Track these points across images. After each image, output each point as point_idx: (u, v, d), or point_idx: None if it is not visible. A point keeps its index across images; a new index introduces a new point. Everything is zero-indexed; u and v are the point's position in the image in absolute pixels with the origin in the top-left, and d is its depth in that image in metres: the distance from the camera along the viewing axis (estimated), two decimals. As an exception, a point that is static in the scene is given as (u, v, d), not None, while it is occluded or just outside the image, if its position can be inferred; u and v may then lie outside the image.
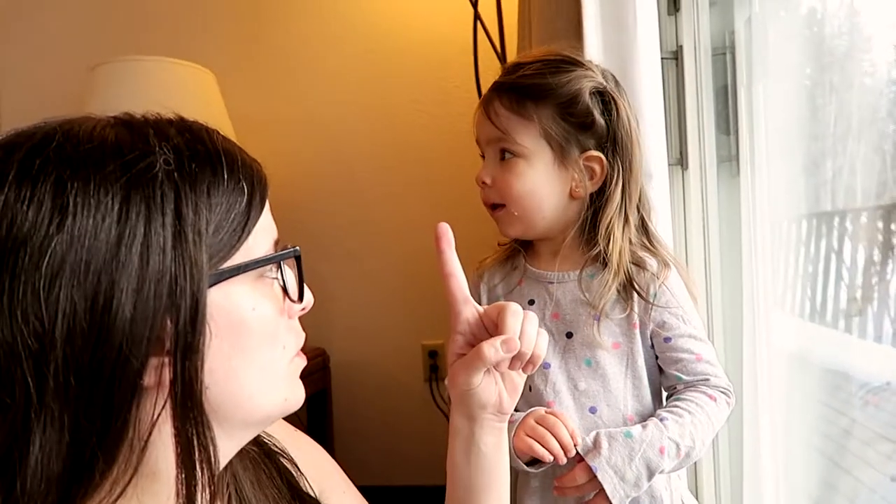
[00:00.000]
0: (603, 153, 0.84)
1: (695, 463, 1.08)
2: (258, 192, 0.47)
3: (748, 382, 1.06)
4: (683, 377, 0.84)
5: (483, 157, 0.89)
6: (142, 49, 1.85)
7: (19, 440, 0.39)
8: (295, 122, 2.08)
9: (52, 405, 0.39)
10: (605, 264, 0.84)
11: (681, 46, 1.10)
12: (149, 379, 0.42)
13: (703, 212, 1.11)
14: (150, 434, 0.43)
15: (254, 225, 0.47)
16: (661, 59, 1.02)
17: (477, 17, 1.68)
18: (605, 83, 0.86)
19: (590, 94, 0.84)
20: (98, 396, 0.40)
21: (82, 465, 0.41)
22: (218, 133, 0.48)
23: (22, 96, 2.15)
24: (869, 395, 1.15)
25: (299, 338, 0.53)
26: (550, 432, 0.78)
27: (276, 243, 0.50)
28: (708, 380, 0.84)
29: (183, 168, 0.43)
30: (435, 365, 2.05)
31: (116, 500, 0.43)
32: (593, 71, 0.86)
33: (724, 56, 1.12)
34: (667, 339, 0.85)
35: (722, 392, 0.84)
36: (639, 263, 0.85)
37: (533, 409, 0.83)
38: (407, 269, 2.05)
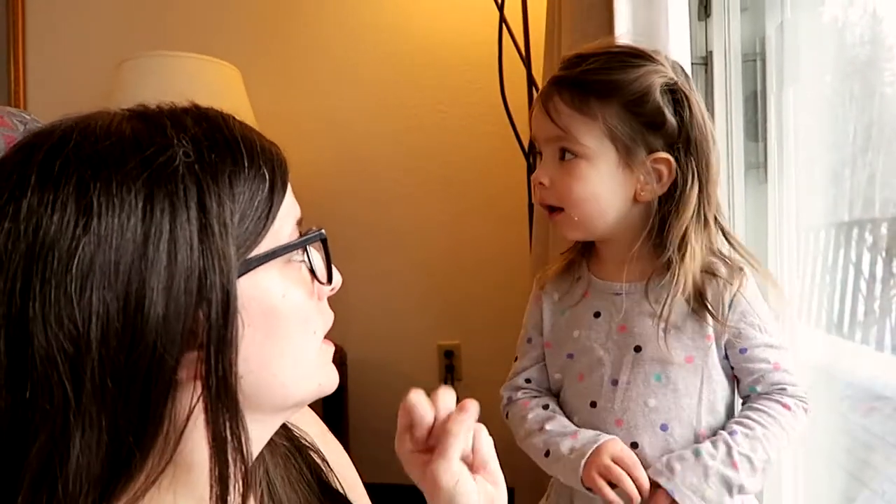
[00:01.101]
0: (673, 154, 0.78)
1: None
2: (279, 176, 0.47)
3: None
4: (758, 388, 0.79)
5: (540, 155, 0.83)
6: (169, 45, 1.87)
7: (59, 445, 0.39)
8: (318, 120, 2.09)
9: (90, 408, 0.39)
10: (672, 272, 0.77)
11: (711, 52, 1.09)
12: (184, 373, 0.42)
13: (730, 219, 1.10)
14: (185, 427, 0.43)
15: (278, 210, 0.46)
16: (691, 64, 1.01)
17: (502, 19, 1.67)
18: (676, 78, 0.79)
19: (660, 90, 0.77)
20: (135, 395, 0.40)
21: (120, 462, 0.41)
22: (234, 119, 0.48)
23: (49, 92, 2.18)
24: (889, 407, 1.14)
25: (328, 319, 0.52)
26: (629, 473, 0.74)
27: (300, 223, 0.50)
28: (785, 389, 0.79)
29: (203, 159, 0.43)
30: (451, 365, 2.04)
31: (150, 489, 0.43)
32: (663, 65, 0.79)
33: (755, 62, 1.10)
34: (742, 350, 0.79)
35: (799, 401, 0.79)
36: (708, 270, 0.79)
37: (603, 439, 0.77)
38: (424, 269, 2.05)
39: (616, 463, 0.75)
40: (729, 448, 0.74)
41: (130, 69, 1.72)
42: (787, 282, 1.06)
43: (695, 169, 0.78)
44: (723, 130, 1.09)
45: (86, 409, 0.39)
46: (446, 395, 0.57)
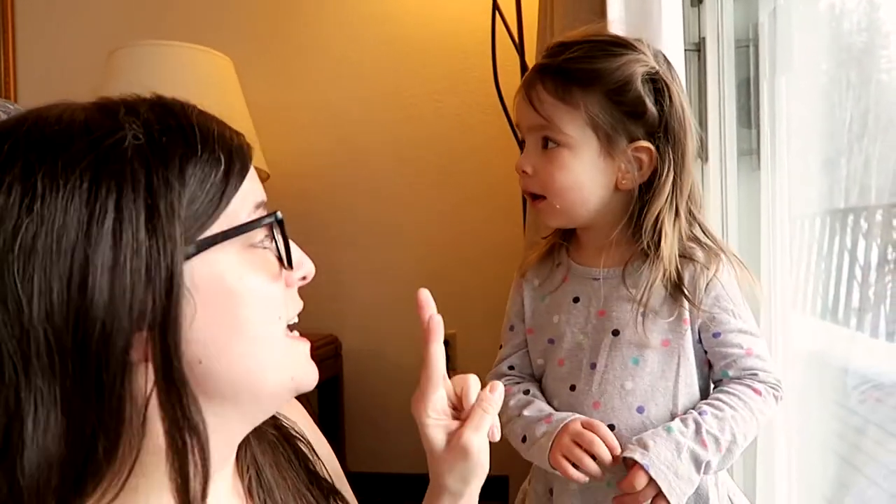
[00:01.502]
0: (653, 142, 0.79)
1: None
2: (237, 161, 0.47)
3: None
4: (730, 373, 0.81)
5: (523, 142, 0.84)
6: (161, 34, 1.86)
7: (13, 421, 0.39)
8: (312, 111, 2.08)
9: (41, 385, 0.39)
10: (650, 258, 0.79)
11: (703, 38, 1.09)
12: (136, 354, 0.42)
13: (723, 206, 1.10)
14: (146, 409, 0.43)
15: (233, 194, 0.46)
16: (684, 50, 1.00)
17: (496, 7, 1.67)
18: (657, 67, 0.80)
19: (642, 80, 0.77)
20: (88, 374, 0.40)
21: (84, 446, 0.41)
22: (194, 107, 0.48)
23: (40, 81, 2.17)
24: (882, 394, 1.14)
25: (295, 307, 0.52)
26: (588, 451, 0.75)
27: (261, 207, 0.49)
28: (756, 374, 0.80)
29: (154, 142, 0.43)
30: (446, 354, 2.04)
31: (127, 479, 0.43)
32: (645, 53, 0.80)
33: (748, 48, 1.10)
34: (716, 335, 0.81)
35: (770, 387, 0.80)
36: (685, 255, 0.80)
37: (568, 419, 0.79)
38: (419, 258, 2.05)
39: (576, 441, 0.76)
40: (698, 426, 0.75)
41: (122, 58, 1.71)
42: (779, 268, 1.06)
43: (671, 157, 0.79)
44: (715, 117, 1.08)
45: (36, 386, 0.39)
46: (472, 378, 0.63)
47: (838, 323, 1.14)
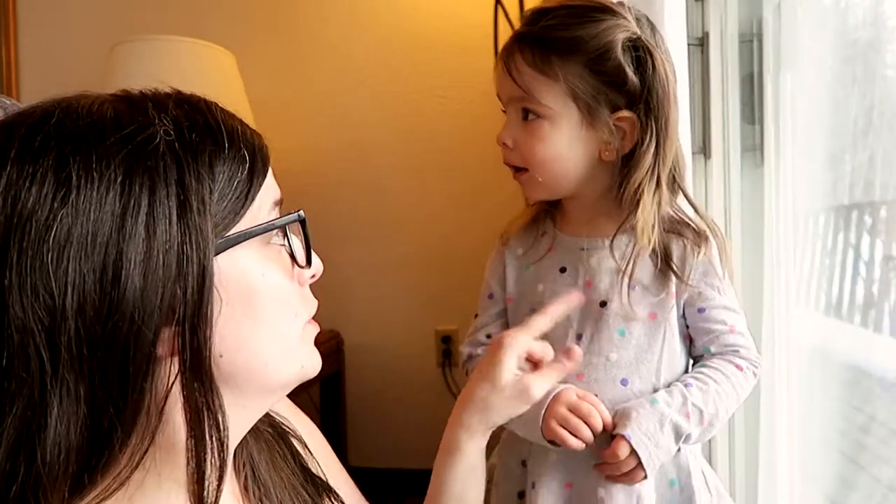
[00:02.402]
0: (635, 111, 0.76)
1: (710, 455, 1.07)
2: (259, 159, 0.48)
3: (766, 377, 1.05)
4: (712, 349, 0.81)
5: (504, 113, 0.82)
6: (162, 29, 1.85)
7: (37, 413, 0.39)
8: (314, 106, 2.08)
9: (68, 377, 0.40)
10: (633, 229, 0.78)
11: (707, 33, 1.08)
12: (162, 348, 0.42)
13: (726, 202, 1.09)
14: (165, 403, 0.43)
15: (257, 191, 0.47)
16: (687, 45, 1.00)
17: (498, 2, 1.66)
18: (639, 32, 0.76)
19: (622, 46, 0.74)
20: (113, 367, 0.41)
21: (101, 436, 0.41)
22: (216, 105, 0.49)
23: (41, 76, 2.17)
24: (885, 391, 1.14)
25: (310, 305, 0.53)
26: (585, 422, 0.75)
27: (279, 204, 0.51)
28: (738, 351, 0.80)
29: (184, 138, 0.44)
30: (448, 350, 2.05)
31: (135, 470, 0.43)
32: (626, 18, 0.76)
33: (752, 43, 1.09)
34: (701, 310, 0.80)
35: (751, 363, 0.81)
36: (674, 230, 0.80)
37: (560, 389, 0.77)
38: (423, 254, 2.05)
39: (573, 411, 0.75)
40: (684, 398, 0.76)
41: (123, 53, 1.71)
42: (783, 264, 1.06)
43: (654, 127, 0.76)
44: (719, 112, 1.08)
45: (63, 379, 0.39)
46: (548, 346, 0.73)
47: (842, 319, 1.14)
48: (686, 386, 0.77)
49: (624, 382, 0.79)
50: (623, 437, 0.74)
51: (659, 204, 0.78)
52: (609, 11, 0.77)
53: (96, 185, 0.40)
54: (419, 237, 2.06)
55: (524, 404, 0.70)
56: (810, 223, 1.18)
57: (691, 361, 0.85)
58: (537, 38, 0.77)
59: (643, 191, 0.77)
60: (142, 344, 0.41)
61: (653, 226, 0.77)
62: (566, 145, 0.77)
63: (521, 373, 0.71)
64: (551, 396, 0.77)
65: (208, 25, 1.98)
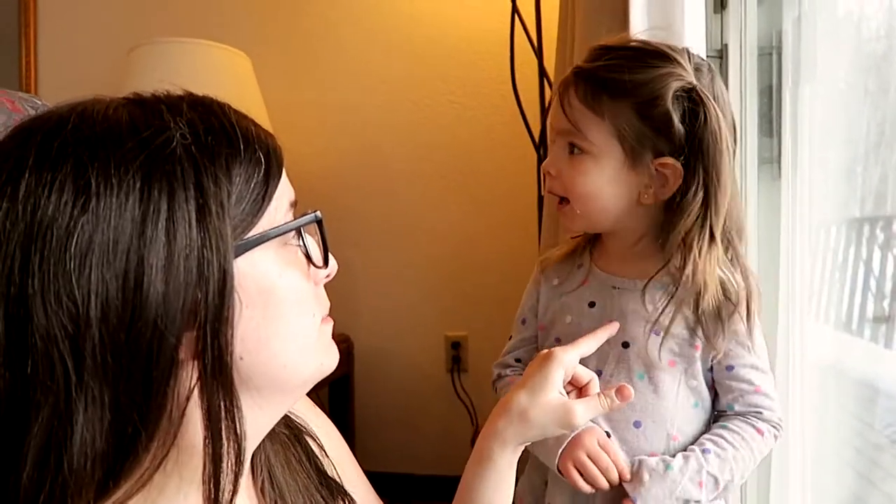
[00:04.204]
0: (680, 159, 0.76)
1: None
2: (274, 161, 0.48)
3: (779, 392, 1.04)
4: (736, 407, 0.81)
5: (552, 144, 0.83)
6: (180, 32, 1.87)
7: (62, 421, 0.39)
8: (329, 111, 2.08)
9: (92, 384, 0.40)
10: (675, 279, 0.77)
11: (726, 45, 1.07)
12: (184, 352, 0.42)
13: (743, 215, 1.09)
14: (186, 406, 0.43)
15: (273, 193, 0.47)
16: (707, 57, 0.99)
17: (515, 9, 1.66)
18: (695, 82, 0.76)
19: (674, 96, 0.75)
20: (137, 373, 0.41)
21: (125, 442, 0.41)
22: (229, 106, 0.49)
23: (60, 78, 2.19)
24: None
25: (325, 304, 0.53)
26: (602, 472, 0.75)
27: (293, 205, 0.51)
28: (761, 413, 0.80)
29: (200, 142, 0.44)
30: (457, 356, 2.05)
31: (156, 472, 0.43)
32: (684, 67, 0.77)
33: (770, 56, 1.09)
34: (729, 368, 0.80)
35: (772, 426, 0.81)
36: (716, 287, 0.77)
37: (590, 432, 0.78)
38: (433, 260, 2.05)
39: (593, 460, 0.76)
40: (700, 467, 0.76)
41: (141, 55, 1.72)
42: (798, 278, 1.05)
43: (702, 176, 0.76)
44: (737, 125, 1.07)
45: (88, 386, 0.40)
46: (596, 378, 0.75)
47: (852, 334, 1.13)
48: (704, 452, 0.77)
49: (637, 425, 0.80)
50: (632, 502, 0.75)
51: (717, 262, 0.77)
52: (668, 59, 0.77)
53: (115, 191, 0.40)
54: (430, 243, 2.06)
55: (563, 429, 0.70)
56: (825, 237, 1.18)
57: (713, 413, 0.84)
58: (592, 76, 0.78)
59: (692, 242, 0.76)
60: (165, 349, 0.41)
61: (699, 279, 0.76)
62: (606, 183, 0.78)
63: (565, 395, 0.71)
64: (573, 434, 0.77)
65: (225, 29, 1.99)
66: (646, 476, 0.75)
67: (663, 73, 0.76)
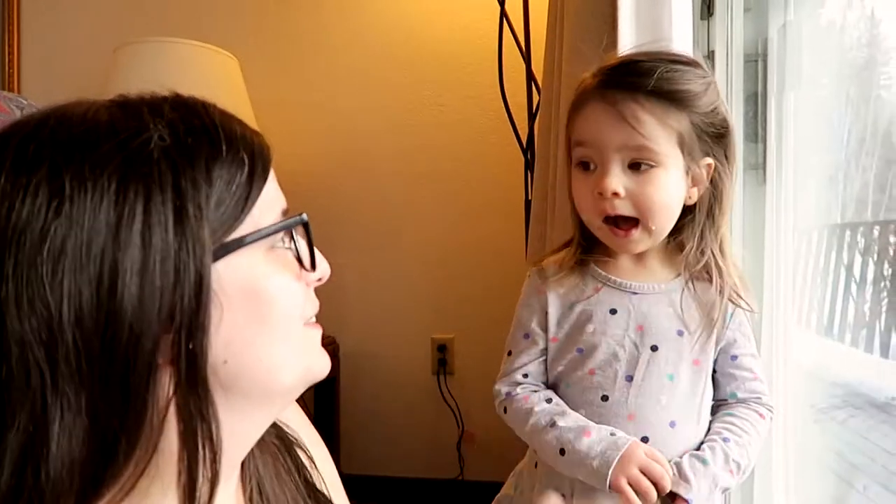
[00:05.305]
0: (715, 159, 0.82)
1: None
2: (259, 162, 0.46)
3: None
4: (738, 394, 0.86)
5: (587, 165, 0.82)
6: (166, 31, 1.85)
7: (39, 427, 0.39)
8: (316, 113, 2.08)
9: (68, 390, 0.39)
10: (713, 281, 0.82)
11: (713, 51, 1.09)
12: (163, 357, 0.42)
13: (728, 220, 1.09)
14: (166, 411, 0.42)
15: (257, 195, 0.46)
16: (693, 63, 1.00)
17: (503, 13, 1.66)
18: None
19: (721, 102, 0.82)
20: (114, 378, 0.40)
21: (105, 448, 0.40)
22: (215, 106, 0.47)
23: (44, 77, 2.17)
24: (876, 409, 1.14)
25: (314, 306, 0.52)
26: (656, 480, 0.77)
27: (285, 213, 0.50)
28: (760, 398, 0.86)
29: (179, 143, 0.42)
30: (443, 359, 2.04)
31: (139, 478, 0.43)
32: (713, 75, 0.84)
33: (756, 63, 1.10)
34: (734, 357, 0.85)
35: (769, 410, 0.86)
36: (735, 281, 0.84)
37: (624, 443, 0.79)
38: (420, 262, 2.05)
39: (644, 472, 0.78)
40: (726, 455, 0.80)
41: (127, 55, 1.71)
42: (783, 283, 1.06)
43: (729, 172, 0.82)
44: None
45: (63, 392, 0.39)
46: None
47: (833, 338, 1.14)
48: (725, 441, 0.81)
49: (672, 425, 0.83)
50: (687, 501, 0.78)
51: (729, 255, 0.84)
52: (704, 68, 0.83)
53: (90, 194, 0.39)
54: (417, 246, 2.05)
55: None
56: (808, 242, 1.19)
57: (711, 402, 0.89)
58: (657, 90, 0.79)
59: (724, 237, 0.83)
60: (141, 354, 0.40)
61: (732, 275, 0.83)
62: (675, 192, 0.81)
63: None
64: (621, 453, 0.78)
65: (212, 29, 1.98)
66: (691, 475, 0.78)
67: (710, 81, 0.81)
